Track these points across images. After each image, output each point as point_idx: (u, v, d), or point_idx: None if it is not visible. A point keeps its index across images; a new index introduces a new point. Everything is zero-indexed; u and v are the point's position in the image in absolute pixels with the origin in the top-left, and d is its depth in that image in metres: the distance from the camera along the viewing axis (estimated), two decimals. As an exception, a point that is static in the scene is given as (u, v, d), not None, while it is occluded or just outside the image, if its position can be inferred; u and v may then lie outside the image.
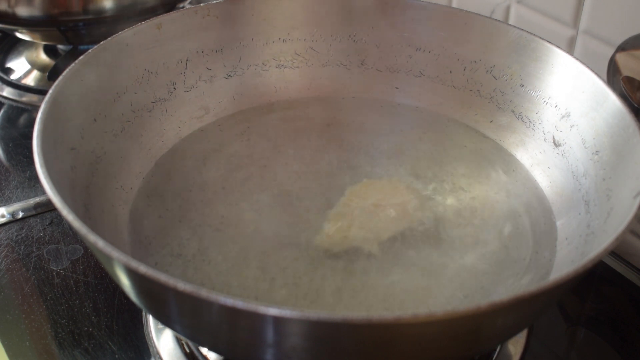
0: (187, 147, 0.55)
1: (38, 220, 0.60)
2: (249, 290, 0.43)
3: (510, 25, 0.55)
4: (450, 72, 0.58)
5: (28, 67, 0.82)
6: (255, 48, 0.59)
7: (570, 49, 0.60)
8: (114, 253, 0.33)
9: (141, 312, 0.51)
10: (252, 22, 0.58)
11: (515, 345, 0.49)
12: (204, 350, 0.47)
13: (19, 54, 0.84)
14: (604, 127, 0.47)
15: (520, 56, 0.54)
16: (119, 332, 0.50)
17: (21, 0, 0.72)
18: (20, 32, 0.77)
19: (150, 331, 0.49)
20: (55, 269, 0.55)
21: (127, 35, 0.52)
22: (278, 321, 0.32)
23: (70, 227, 0.57)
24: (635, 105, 0.49)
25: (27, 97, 0.77)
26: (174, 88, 0.56)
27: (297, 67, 0.60)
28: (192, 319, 0.36)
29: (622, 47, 0.52)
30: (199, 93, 0.57)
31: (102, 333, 0.49)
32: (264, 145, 0.56)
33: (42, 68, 0.82)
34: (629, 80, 0.51)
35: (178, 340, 0.48)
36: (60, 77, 0.46)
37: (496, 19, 0.56)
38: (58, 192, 0.37)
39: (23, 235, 0.58)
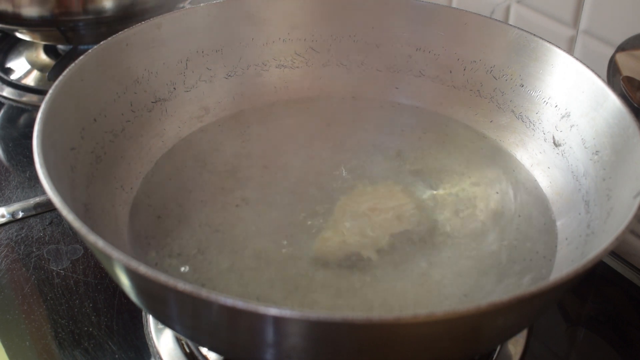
0: (187, 147, 0.55)
1: (38, 220, 0.60)
2: (248, 290, 0.43)
3: (510, 25, 0.55)
4: (450, 72, 0.58)
5: (28, 67, 0.82)
6: (255, 48, 0.59)
7: (570, 49, 0.60)
8: (114, 253, 0.33)
9: (141, 312, 0.51)
10: (252, 22, 0.58)
11: (515, 345, 0.49)
12: (204, 350, 0.47)
13: (19, 54, 0.84)
14: (604, 127, 0.47)
15: (520, 56, 0.54)
16: (119, 332, 0.50)
17: (22, 0, 0.72)
18: (20, 32, 0.77)
19: (150, 331, 0.49)
20: (55, 269, 0.55)
21: (127, 35, 0.52)
22: (278, 321, 0.32)
23: (70, 227, 0.57)
24: (635, 105, 0.49)
25: (27, 97, 0.77)
26: (174, 88, 0.56)
27: (297, 67, 0.60)
28: (192, 319, 0.36)
29: (622, 47, 0.52)
30: (199, 93, 0.57)
31: (102, 333, 0.49)
32: (264, 145, 0.56)
33: (42, 68, 0.82)
34: (629, 80, 0.51)
35: (178, 340, 0.48)
36: (60, 77, 0.46)
37: (496, 19, 0.56)
38: (58, 192, 0.37)
39: (23, 235, 0.58)
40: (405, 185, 0.52)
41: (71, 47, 0.80)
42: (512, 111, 0.55)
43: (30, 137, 0.40)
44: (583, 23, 0.58)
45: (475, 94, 0.57)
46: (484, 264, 0.46)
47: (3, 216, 0.60)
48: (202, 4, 0.56)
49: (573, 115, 0.50)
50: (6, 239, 0.58)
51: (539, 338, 0.50)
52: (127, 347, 0.49)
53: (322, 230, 0.48)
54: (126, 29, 0.52)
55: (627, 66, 0.51)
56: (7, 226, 0.59)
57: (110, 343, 0.49)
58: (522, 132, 0.55)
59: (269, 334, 0.33)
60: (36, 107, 0.69)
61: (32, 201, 0.61)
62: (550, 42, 0.52)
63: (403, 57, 0.59)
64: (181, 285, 0.31)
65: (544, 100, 0.53)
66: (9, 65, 0.83)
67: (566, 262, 0.45)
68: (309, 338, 0.33)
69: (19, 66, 0.82)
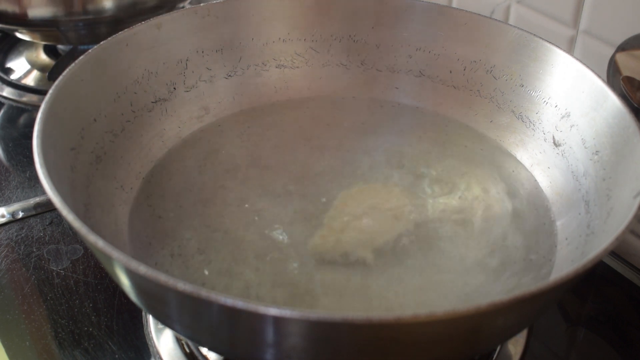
0: (187, 147, 0.55)
1: (38, 220, 0.60)
2: (249, 290, 0.43)
3: (510, 25, 0.55)
4: (450, 72, 0.58)
5: (28, 67, 0.82)
6: (255, 48, 0.59)
7: (570, 49, 0.60)
8: (114, 253, 0.33)
9: (141, 312, 0.51)
10: (252, 22, 0.58)
11: (515, 345, 0.49)
12: (204, 350, 0.47)
13: (19, 54, 0.84)
14: (604, 127, 0.47)
15: (520, 56, 0.54)
16: (119, 332, 0.50)
17: (22, 0, 0.72)
18: (20, 32, 0.77)
19: (150, 331, 0.49)
20: (55, 269, 0.55)
21: (127, 35, 0.52)
22: (278, 321, 0.32)
23: (70, 227, 0.57)
24: (635, 105, 0.49)
25: (27, 97, 0.77)
26: (174, 88, 0.56)
27: (297, 67, 0.60)
28: (192, 319, 0.36)
29: (622, 47, 0.52)
30: (199, 93, 0.57)
31: (102, 333, 0.49)
32: (264, 145, 0.56)
33: (42, 68, 0.82)
34: (629, 80, 0.51)
35: (178, 340, 0.48)
36: (60, 77, 0.46)
37: (496, 19, 0.56)
38: (58, 192, 0.37)
39: (23, 235, 0.58)
40: (405, 185, 0.52)
41: (71, 47, 0.80)
42: (512, 111, 0.55)
43: (30, 137, 0.40)
44: (583, 23, 0.58)
45: (475, 94, 0.57)
46: (483, 263, 0.46)
47: (3, 216, 0.60)
48: (202, 4, 0.56)
49: (573, 115, 0.50)
50: (6, 239, 0.58)
51: (539, 338, 0.50)
52: (127, 347, 0.49)
53: (322, 230, 0.48)
54: (126, 29, 0.52)
55: (627, 66, 0.51)
56: (7, 226, 0.59)
57: (110, 343, 0.49)
58: (522, 132, 0.55)
59: (269, 334, 0.33)
60: (36, 107, 0.69)
61: (32, 201, 0.61)
62: (550, 42, 0.52)
63: (403, 57, 0.59)
64: (181, 285, 0.31)
65: (544, 100, 0.53)
66: (9, 65, 0.83)
67: (566, 262, 0.45)
68: (309, 338, 0.33)
69: (19, 66, 0.82)
